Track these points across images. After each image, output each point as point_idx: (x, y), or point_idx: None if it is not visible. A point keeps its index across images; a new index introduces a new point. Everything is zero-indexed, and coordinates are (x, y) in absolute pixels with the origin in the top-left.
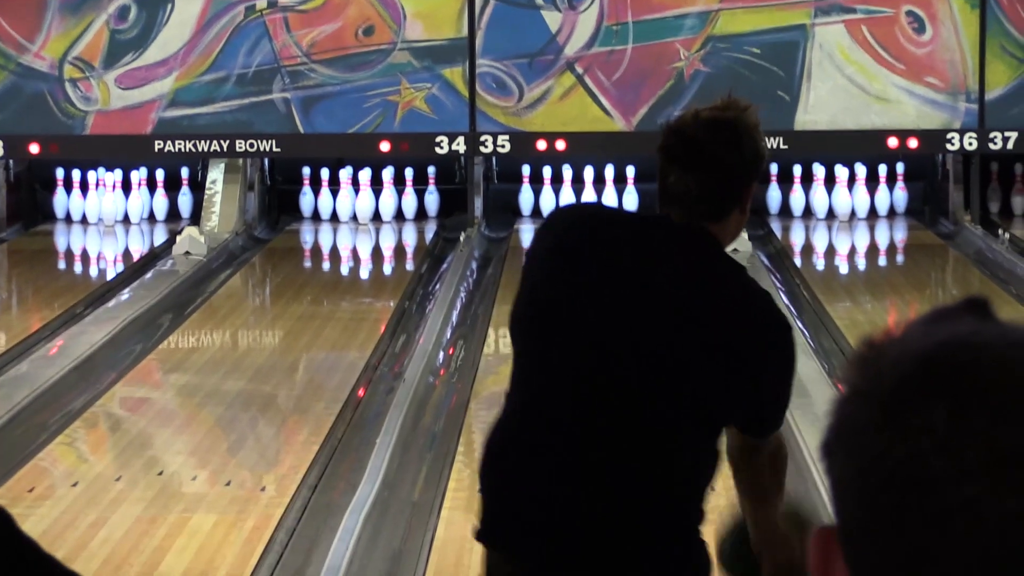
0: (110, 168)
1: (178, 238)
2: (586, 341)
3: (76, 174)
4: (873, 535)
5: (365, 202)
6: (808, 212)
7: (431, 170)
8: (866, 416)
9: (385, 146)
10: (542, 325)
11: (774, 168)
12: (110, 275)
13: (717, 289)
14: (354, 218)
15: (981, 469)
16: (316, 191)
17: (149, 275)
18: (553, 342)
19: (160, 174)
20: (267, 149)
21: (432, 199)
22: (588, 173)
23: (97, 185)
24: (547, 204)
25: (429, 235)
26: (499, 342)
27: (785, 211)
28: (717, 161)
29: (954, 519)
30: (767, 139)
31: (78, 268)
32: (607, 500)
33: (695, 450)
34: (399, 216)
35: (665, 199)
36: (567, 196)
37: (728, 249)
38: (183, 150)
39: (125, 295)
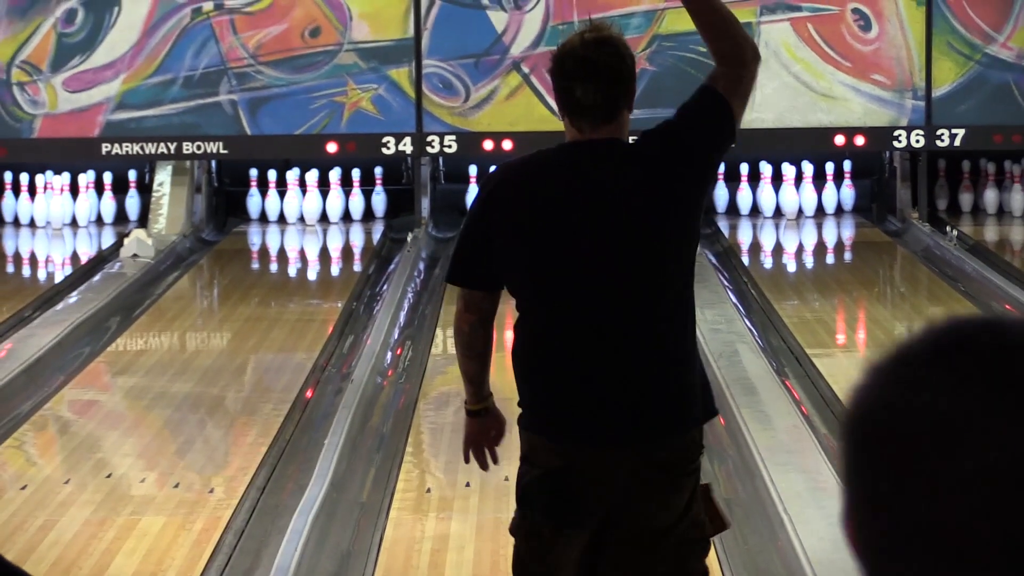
0: (58, 171)
1: (126, 241)
2: (583, 246)
3: (24, 177)
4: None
5: (312, 203)
6: (755, 210)
7: (378, 171)
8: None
9: (332, 147)
10: (542, 251)
11: (721, 167)
12: (58, 278)
13: (638, 160)
14: (301, 219)
15: None
16: (263, 193)
17: (97, 278)
18: (563, 263)
19: (108, 177)
20: (214, 151)
21: (379, 200)
22: None
23: (45, 188)
24: None
25: (376, 236)
26: (447, 342)
27: (732, 209)
28: (611, 70)
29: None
30: None
31: (26, 271)
32: (649, 363)
33: (690, 301)
34: (346, 217)
35: (574, 111)
36: None
37: None
38: (130, 153)
39: (73, 298)
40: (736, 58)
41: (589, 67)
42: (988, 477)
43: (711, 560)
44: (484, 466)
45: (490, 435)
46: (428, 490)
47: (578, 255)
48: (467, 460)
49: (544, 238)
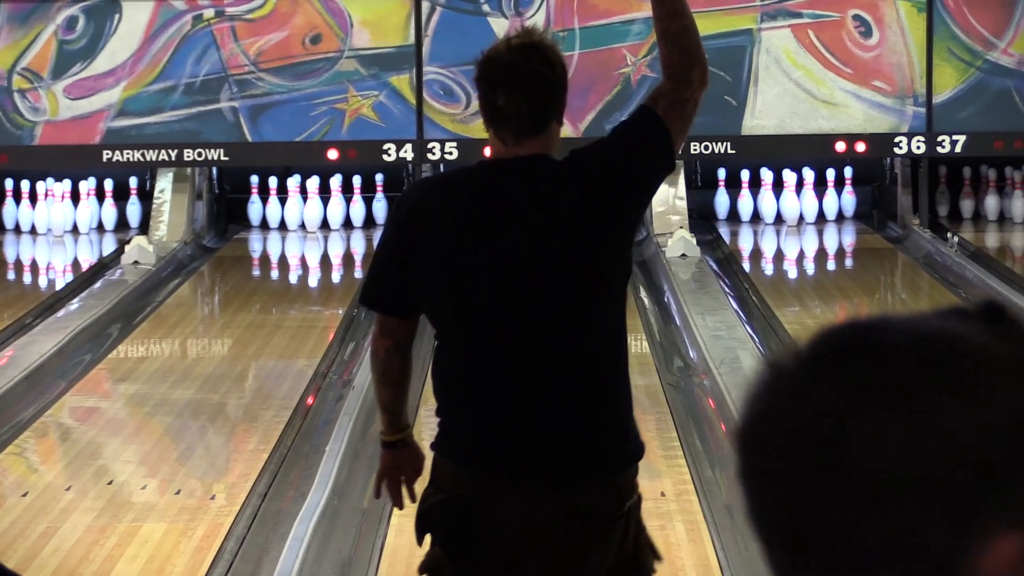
0: (59, 178)
1: (127, 248)
2: (508, 278)
3: (25, 184)
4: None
5: (313, 210)
6: (756, 217)
7: (379, 177)
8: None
9: (333, 154)
10: (463, 278)
11: (722, 173)
12: (59, 285)
13: (565, 180)
14: (302, 226)
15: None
16: (264, 199)
17: (98, 285)
18: (482, 290)
19: (109, 184)
20: (215, 158)
21: (380, 206)
22: None
23: (46, 195)
24: None
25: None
26: None
27: (733, 216)
28: (538, 77)
29: None
30: (715, 144)
31: (27, 278)
32: (564, 406)
33: (619, 332)
34: (347, 224)
35: (496, 120)
36: None
37: (675, 254)
38: (131, 160)
39: (74, 305)
40: (684, 78)
41: (514, 74)
42: (872, 480)
43: (713, 566)
44: (399, 503)
45: (407, 469)
46: None
47: (498, 281)
48: (377, 495)
49: (462, 263)
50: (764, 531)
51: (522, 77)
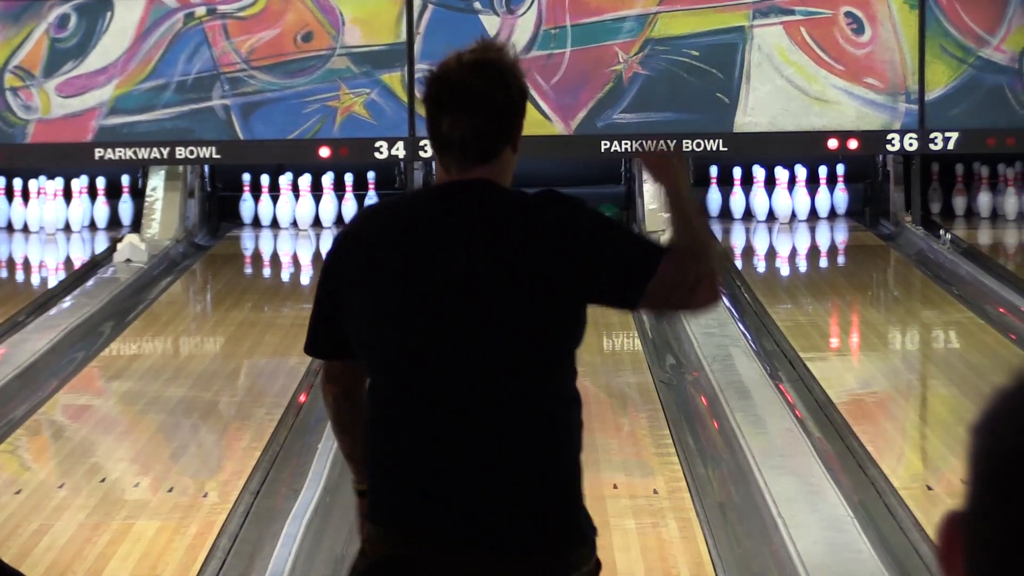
0: (51, 176)
1: (119, 245)
2: (435, 324)
3: (17, 182)
4: (991, 518)
5: (305, 208)
6: (748, 214)
7: (371, 175)
8: (1013, 404)
9: (325, 151)
10: (384, 319)
11: (714, 171)
12: (51, 283)
13: (514, 218)
14: (294, 224)
15: None
16: (256, 197)
17: (90, 283)
18: (400, 328)
19: (101, 182)
20: (207, 156)
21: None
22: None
23: (38, 193)
24: None
25: None
26: None
27: (725, 214)
28: (487, 100)
29: None
30: (707, 141)
31: (19, 276)
32: (494, 468)
33: (562, 398)
34: (339, 221)
35: (440, 146)
36: None
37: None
38: (123, 158)
39: (67, 303)
40: (676, 307)
41: (460, 95)
42: None
43: (705, 563)
44: None
45: None
46: None
47: (420, 324)
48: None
49: (386, 301)
50: (971, 533)
51: (469, 100)
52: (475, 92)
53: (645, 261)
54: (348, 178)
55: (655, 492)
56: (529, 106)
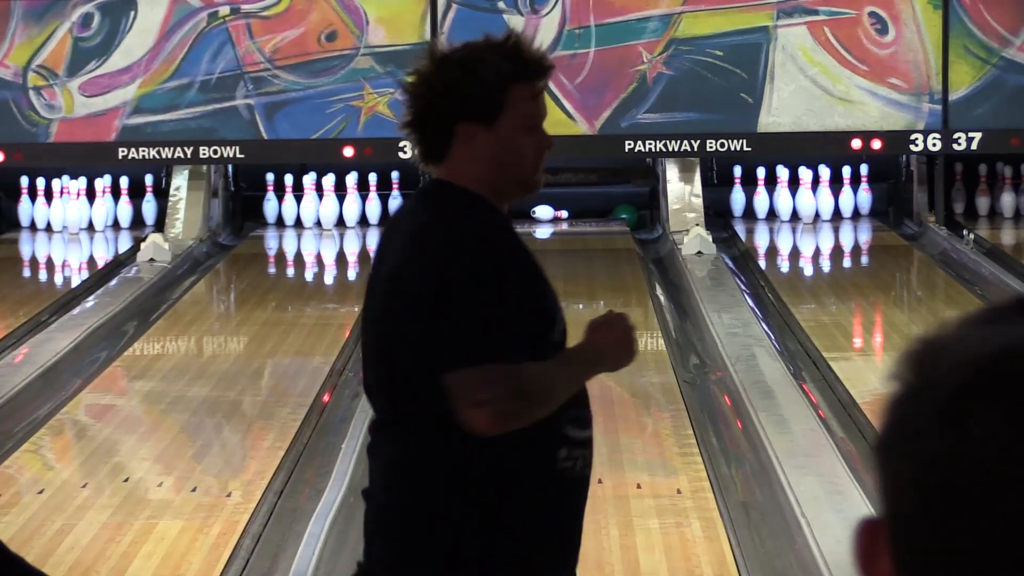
0: (74, 176)
1: (142, 245)
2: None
3: (40, 182)
4: (928, 536)
5: (329, 207)
6: (772, 214)
7: (395, 175)
8: (925, 418)
9: (349, 151)
10: None
11: (738, 171)
12: (75, 283)
13: (394, 243)
14: (318, 223)
15: None
16: (280, 197)
17: (114, 282)
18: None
19: (124, 181)
20: (231, 155)
21: (396, 204)
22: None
23: (62, 193)
24: None
25: None
26: None
27: (749, 214)
28: (415, 103)
29: (1013, 524)
30: (731, 141)
31: (43, 276)
32: (372, 495)
33: (418, 426)
34: (363, 221)
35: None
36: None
37: (691, 252)
38: (147, 157)
39: (90, 302)
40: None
41: (406, 104)
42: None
43: (729, 563)
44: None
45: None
46: None
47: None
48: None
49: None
50: (904, 549)
51: (406, 106)
52: (408, 99)
53: (423, 357)
54: (372, 178)
55: (679, 492)
56: (552, 105)
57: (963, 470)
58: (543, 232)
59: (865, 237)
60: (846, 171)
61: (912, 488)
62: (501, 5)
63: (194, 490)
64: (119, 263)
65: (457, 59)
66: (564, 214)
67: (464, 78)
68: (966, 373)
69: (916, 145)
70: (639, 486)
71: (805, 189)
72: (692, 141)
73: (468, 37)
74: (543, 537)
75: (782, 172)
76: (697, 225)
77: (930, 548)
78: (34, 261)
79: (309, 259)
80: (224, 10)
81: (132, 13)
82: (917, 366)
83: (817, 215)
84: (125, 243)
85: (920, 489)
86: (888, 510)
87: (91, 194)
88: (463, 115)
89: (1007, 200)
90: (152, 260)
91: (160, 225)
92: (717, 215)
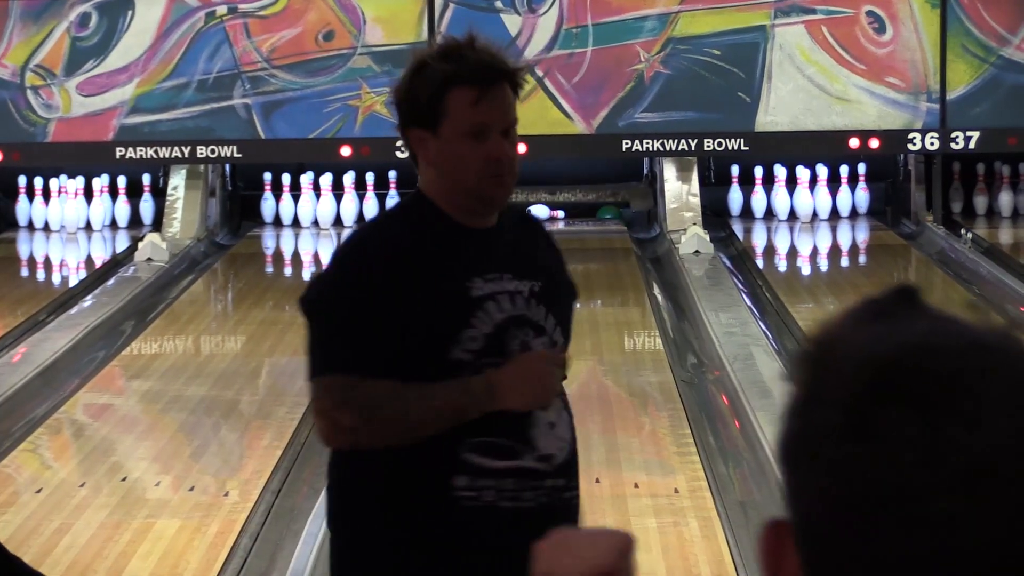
0: (72, 175)
1: (140, 244)
2: None
3: (38, 181)
4: (844, 543)
5: (326, 207)
6: (770, 213)
7: (392, 174)
8: (833, 425)
9: (346, 151)
10: None
11: (735, 170)
12: (72, 282)
13: None
14: (316, 223)
15: (958, 480)
16: (277, 196)
17: (111, 282)
18: None
19: (122, 181)
20: (228, 155)
21: (393, 203)
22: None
23: (59, 192)
24: None
25: None
26: None
27: (747, 213)
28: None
29: (931, 529)
30: (729, 140)
31: (41, 275)
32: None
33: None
34: (360, 221)
35: None
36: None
37: (688, 251)
38: (145, 157)
39: (87, 302)
40: None
41: None
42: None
43: (726, 562)
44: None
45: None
46: None
47: None
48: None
49: None
50: (816, 554)
51: None
52: None
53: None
54: (369, 177)
55: (676, 491)
56: (550, 105)
57: (878, 477)
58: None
59: (863, 236)
60: (844, 170)
61: (823, 495)
62: (498, 4)
63: (192, 489)
64: (117, 262)
65: (410, 64)
66: (560, 213)
67: (408, 83)
68: (868, 375)
69: (914, 144)
70: (636, 485)
71: (803, 188)
72: (689, 140)
73: None
74: (432, 568)
75: (780, 171)
76: (694, 224)
77: (844, 553)
78: (32, 261)
79: (306, 258)
80: (221, 10)
81: (130, 13)
82: (814, 368)
83: (815, 214)
84: (123, 242)
85: (832, 496)
86: (797, 516)
87: (89, 193)
88: (412, 122)
89: (1005, 199)
90: (150, 259)
91: (158, 224)
92: (714, 214)
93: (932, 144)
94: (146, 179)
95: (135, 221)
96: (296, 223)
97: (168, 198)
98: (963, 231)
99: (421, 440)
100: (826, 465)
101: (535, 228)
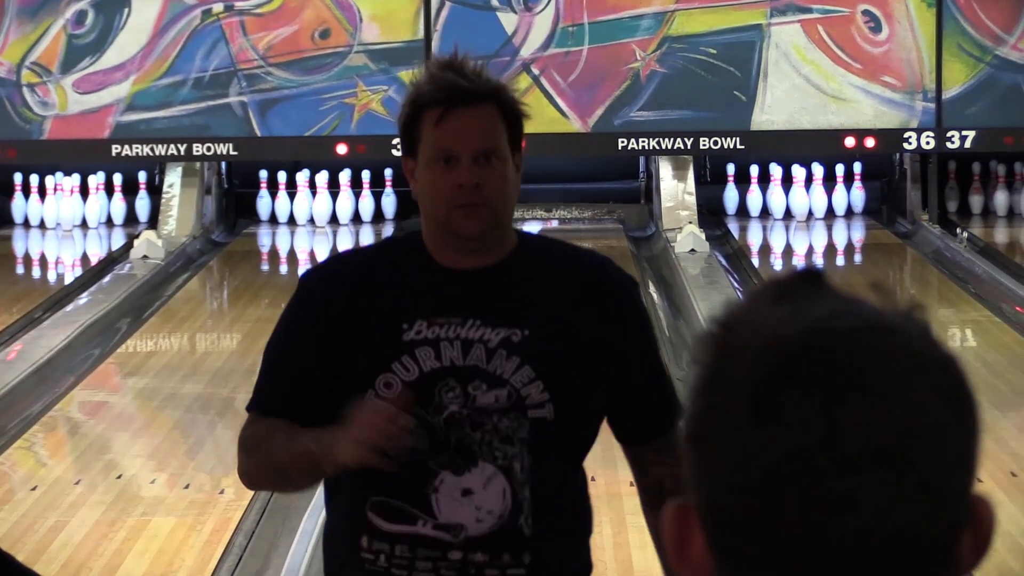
0: (68, 173)
1: (136, 242)
2: None
3: (34, 179)
4: (750, 524)
5: (322, 205)
6: (765, 212)
7: (388, 172)
8: (737, 407)
9: (342, 148)
10: None
11: (731, 169)
12: (68, 279)
13: None
14: (311, 221)
15: (861, 460)
16: (273, 194)
17: (107, 279)
18: None
19: (118, 178)
20: (224, 153)
21: (389, 201)
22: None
23: (55, 189)
24: None
25: None
26: None
27: (742, 211)
28: None
29: (835, 509)
30: (724, 139)
31: (36, 272)
32: None
33: None
34: (356, 219)
35: None
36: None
37: (684, 249)
38: (140, 154)
39: (83, 299)
40: None
41: None
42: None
43: None
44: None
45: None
46: None
47: None
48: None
49: None
50: (724, 537)
51: None
52: None
53: None
54: (365, 175)
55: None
56: (547, 104)
57: (782, 459)
58: (533, 230)
59: (858, 235)
60: (839, 169)
61: (728, 478)
62: (495, 3)
63: (187, 487)
64: (112, 260)
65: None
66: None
67: (401, 109)
68: (772, 358)
69: (909, 143)
70: (632, 484)
71: (798, 187)
72: (685, 139)
73: (461, 35)
74: None
75: (775, 170)
76: (690, 223)
77: (748, 534)
78: (27, 258)
79: (302, 256)
80: (218, 7)
81: (126, 10)
82: (718, 350)
83: (810, 213)
84: (118, 240)
85: (737, 479)
86: (703, 498)
87: (84, 191)
88: (403, 150)
89: (1000, 198)
90: (145, 257)
91: (153, 222)
92: (710, 213)
93: (928, 143)
94: (142, 177)
95: (131, 218)
96: (292, 221)
97: (164, 196)
98: (959, 230)
99: (338, 492)
100: (729, 447)
101: (573, 273)
